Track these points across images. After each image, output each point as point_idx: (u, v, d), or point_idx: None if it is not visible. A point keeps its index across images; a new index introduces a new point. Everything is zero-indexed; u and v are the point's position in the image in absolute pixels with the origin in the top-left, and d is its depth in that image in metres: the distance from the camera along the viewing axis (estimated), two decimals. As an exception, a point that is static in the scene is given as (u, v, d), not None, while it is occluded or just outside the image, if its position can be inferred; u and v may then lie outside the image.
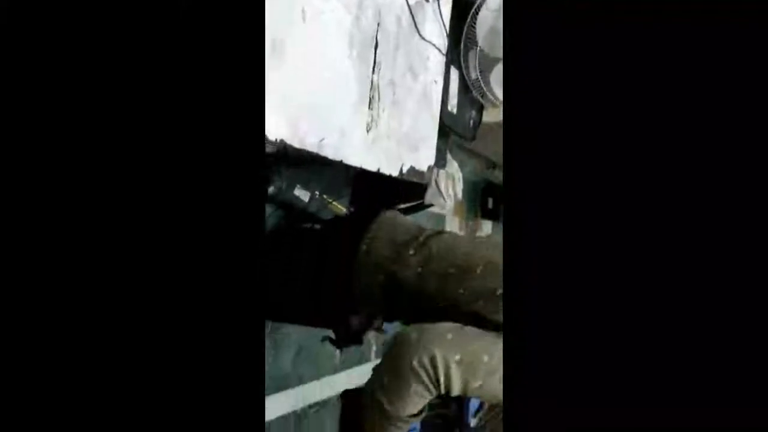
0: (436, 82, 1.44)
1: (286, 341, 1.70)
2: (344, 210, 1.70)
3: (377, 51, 0.98)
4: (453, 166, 1.71)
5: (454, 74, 1.64)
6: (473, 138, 1.86)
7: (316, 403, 1.87)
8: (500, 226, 3.52)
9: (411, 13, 1.15)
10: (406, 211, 1.86)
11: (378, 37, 0.98)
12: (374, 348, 2.14)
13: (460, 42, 1.65)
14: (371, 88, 0.94)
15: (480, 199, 3.49)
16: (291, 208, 1.56)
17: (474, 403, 1.74)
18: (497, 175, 3.43)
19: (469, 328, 0.68)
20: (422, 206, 1.82)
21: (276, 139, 0.70)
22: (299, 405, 1.79)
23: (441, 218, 2.79)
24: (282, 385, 1.68)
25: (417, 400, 0.65)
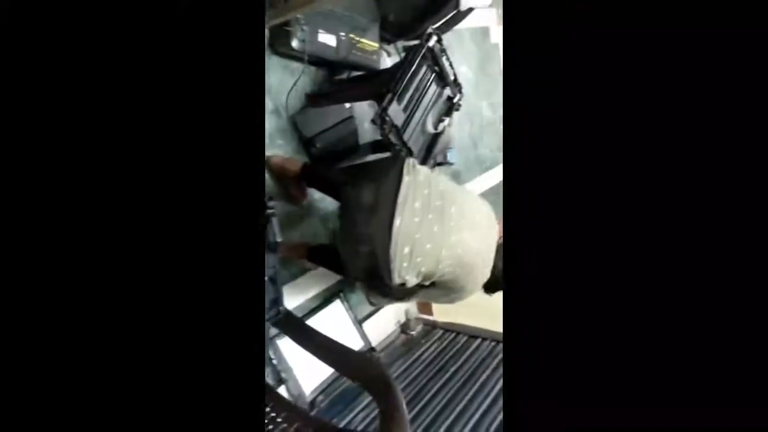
0: None
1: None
2: (376, 45, 1.57)
3: None
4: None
5: None
6: None
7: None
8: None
9: None
10: (447, 25, 1.68)
11: None
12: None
13: None
14: None
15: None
16: (321, 60, 1.47)
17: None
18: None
19: None
20: (460, 15, 1.63)
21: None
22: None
23: (486, 32, 2.51)
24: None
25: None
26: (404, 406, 0.76)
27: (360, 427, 1.36)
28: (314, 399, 1.51)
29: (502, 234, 1.16)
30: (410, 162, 1.11)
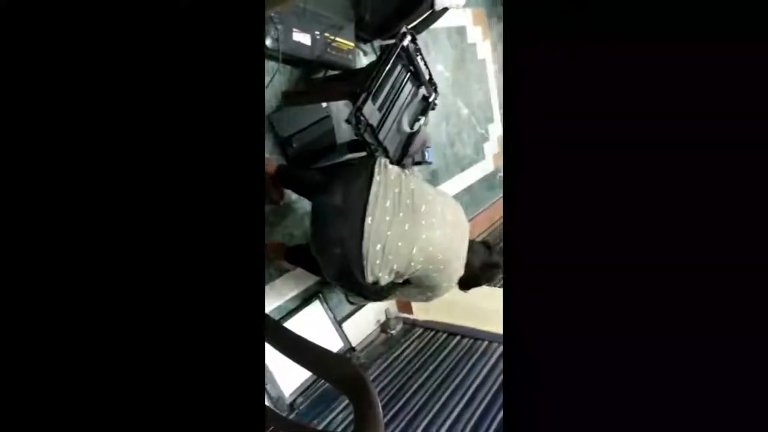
0: None
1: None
2: (351, 44, 1.57)
3: None
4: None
5: None
6: None
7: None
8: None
9: None
10: (422, 25, 1.69)
11: None
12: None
13: None
14: None
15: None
16: (296, 59, 1.46)
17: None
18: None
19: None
20: (435, 15, 1.64)
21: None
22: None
23: (462, 31, 2.52)
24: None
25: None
26: (379, 406, 0.76)
27: (340, 428, 1.36)
28: (294, 401, 1.50)
29: (475, 232, 1.18)
30: (381, 162, 1.11)
